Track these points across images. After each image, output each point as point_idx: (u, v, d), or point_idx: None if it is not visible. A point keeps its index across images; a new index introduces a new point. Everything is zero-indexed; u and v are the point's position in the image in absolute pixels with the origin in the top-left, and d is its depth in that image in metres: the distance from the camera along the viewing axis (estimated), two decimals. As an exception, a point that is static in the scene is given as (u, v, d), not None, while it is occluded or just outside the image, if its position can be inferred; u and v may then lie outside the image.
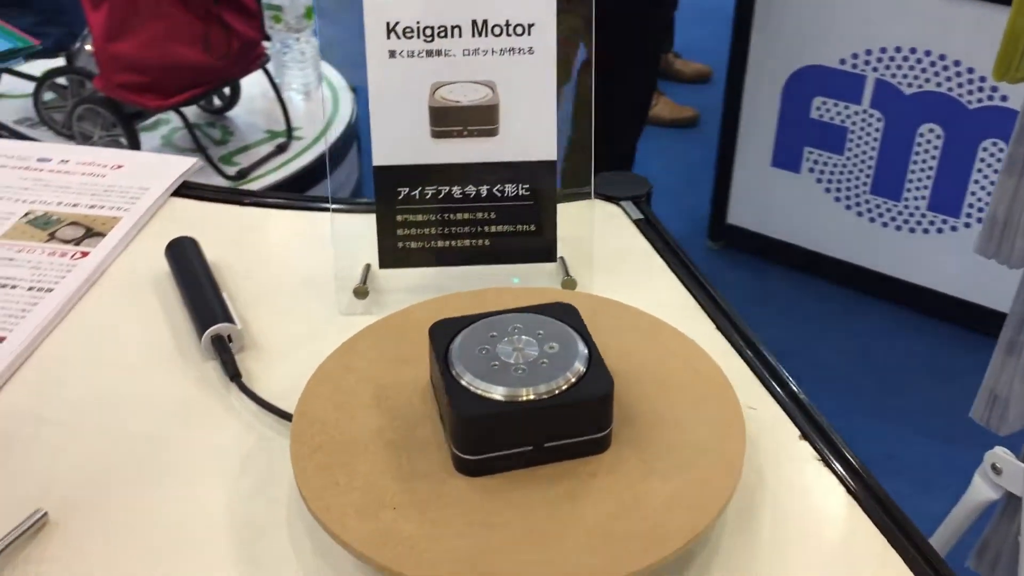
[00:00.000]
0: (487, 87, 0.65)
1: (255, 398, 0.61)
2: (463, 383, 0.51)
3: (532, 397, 0.50)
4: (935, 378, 2.06)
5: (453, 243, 0.68)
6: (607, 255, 0.74)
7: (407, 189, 0.67)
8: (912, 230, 2.17)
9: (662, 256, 0.76)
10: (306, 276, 0.73)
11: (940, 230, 2.14)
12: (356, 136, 2.29)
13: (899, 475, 1.78)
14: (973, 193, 2.08)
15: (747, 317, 0.69)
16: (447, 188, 0.67)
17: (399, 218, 0.67)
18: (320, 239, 0.77)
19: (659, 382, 0.56)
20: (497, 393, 0.50)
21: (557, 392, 0.50)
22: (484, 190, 0.67)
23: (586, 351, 0.53)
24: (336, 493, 0.50)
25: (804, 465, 0.57)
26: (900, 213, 2.17)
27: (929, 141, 2.09)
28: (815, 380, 0.60)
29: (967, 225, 2.11)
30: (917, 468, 1.82)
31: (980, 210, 2.10)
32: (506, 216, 0.68)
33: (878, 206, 2.20)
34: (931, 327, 2.19)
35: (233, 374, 0.62)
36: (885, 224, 2.21)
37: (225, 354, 0.63)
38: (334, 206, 0.73)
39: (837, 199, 2.25)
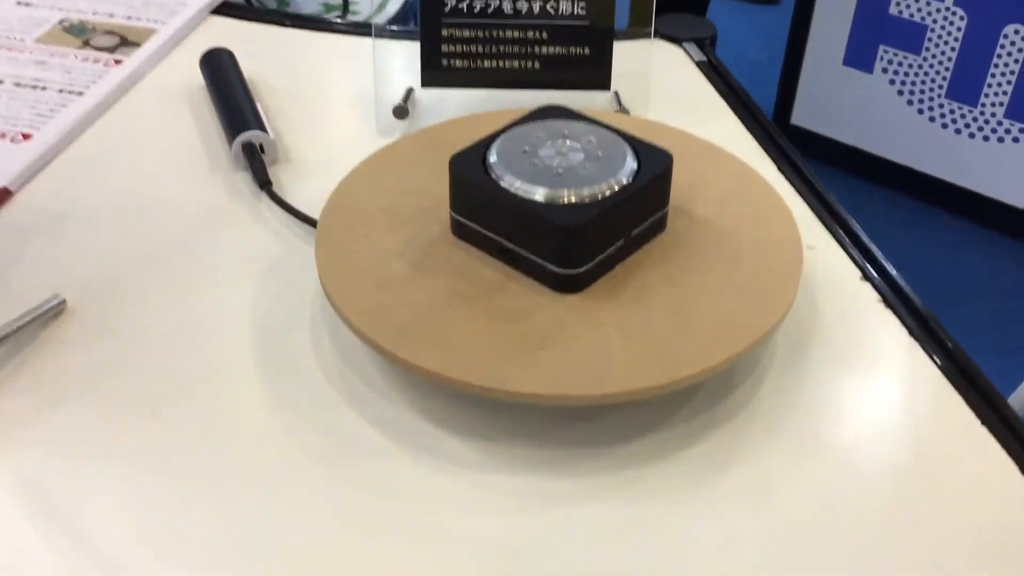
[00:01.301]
0: None
1: (284, 205, 0.58)
2: (545, 200, 0.47)
3: (616, 188, 0.48)
4: (992, 292, 1.99)
5: (501, 64, 0.64)
6: (665, 95, 0.70)
7: (454, 1, 0.62)
8: (986, 138, 2.08)
9: (724, 99, 0.71)
10: (345, 97, 0.70)
11: (1016, 139, 2.04)
12: (414, 14, 2.23)
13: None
14: (1056, 101, 1.97)
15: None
16: (497, 2, 0.62)
17: (444, 32, 0.63)
18: (362, 63, 0.74)
19: (713, 192, 0.53)
20: (586, 196, 0.47)
21: (631, 178, 0.48)
22: (537, 6, 0.62)
23: (622, 138, 0.50)
24: (477, 357, 0.45)
25: (865, 306, 0.53)
26: (975, 119, 2.07)
27: (1013, 43, 1.98)
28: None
29: (1046, 135, 2.01)
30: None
31: (1061, 119, 1.99)
32: (559, 37, 0.63)
33: (952, 111, 2.10)
34: (995, 241, 2.11)
35: (263, 181, 0.60)
36: (958, 131, 2.11)
37: (255, 161, 0.60)
38: (376, 25, 0.69)
39: (910, 102, 2.15)
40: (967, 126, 2.09)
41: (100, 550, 0.41)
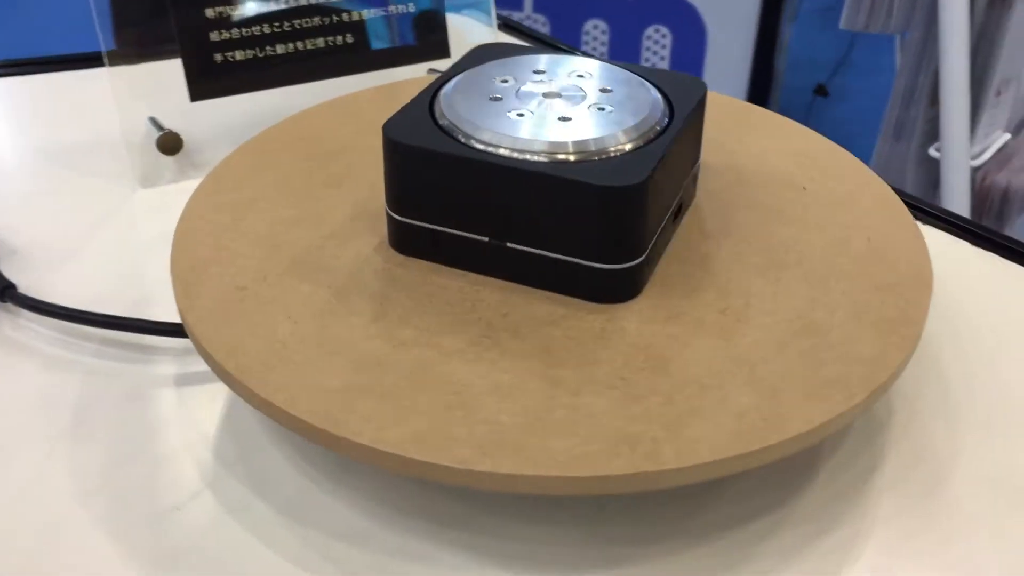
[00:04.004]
0: None
1: (58, 313, 0.35)
2: (561, 158, 0.30)
3: (657, 128, 0.31)
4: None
5: (299, 45, 0.44)
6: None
7: (216, -34, 0.42)
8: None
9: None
10: (59, 151, 0.46)
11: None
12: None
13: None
14: (645, 83, 2.08)
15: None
16: (276, -40, 0.43)
17: (210, 13, 0.42)
18: (57, 107, 0.50)
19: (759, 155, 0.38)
20: (620, 144, 0.30)
21: (666, 116, 0.32)
22: (333, -43, 0.44)
23: (623, 68, 0.34)
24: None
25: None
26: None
27: (595, 37, 2.06)
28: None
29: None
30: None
31: (655, 99, 2.11)
32: (370, -4, 0.45)
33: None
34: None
35: (2, 286, 0.35)
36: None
37: (-27, 260, 0.36)
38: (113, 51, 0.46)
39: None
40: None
41: None
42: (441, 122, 0.31)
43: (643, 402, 0.26)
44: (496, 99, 0.32)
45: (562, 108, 0.31)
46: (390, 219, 0.31)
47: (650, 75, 0.34)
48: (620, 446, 0.25)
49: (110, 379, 0.33)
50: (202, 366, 0.33)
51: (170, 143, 0.43)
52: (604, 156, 0.30)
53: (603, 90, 0.33)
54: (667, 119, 0.32)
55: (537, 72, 0.33)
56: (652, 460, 0.25)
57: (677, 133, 0.31)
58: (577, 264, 0.30)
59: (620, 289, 0.30)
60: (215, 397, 0.33)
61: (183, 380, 0.33)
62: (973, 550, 0.28)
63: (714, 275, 0.31)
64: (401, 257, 0.31)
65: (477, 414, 0.26)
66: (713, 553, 0.28)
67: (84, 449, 0.31)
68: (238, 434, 0.31)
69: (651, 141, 0.31)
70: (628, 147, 0.30)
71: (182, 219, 0.33)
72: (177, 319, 0.30)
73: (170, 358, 0.34)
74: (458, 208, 0.30)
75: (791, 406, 0.26)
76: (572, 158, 0.29)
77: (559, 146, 0.30)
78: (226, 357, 0.28)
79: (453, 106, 0.31)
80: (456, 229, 0.30)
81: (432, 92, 0.32)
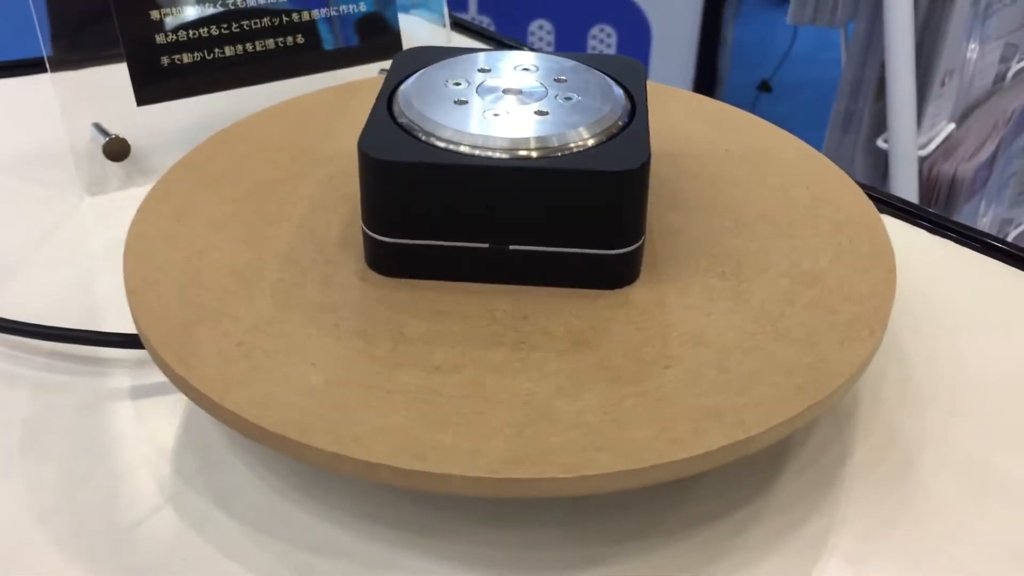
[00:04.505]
0: None
1: (13, 328, 0.33)
2: (558, 151, 0.29)
3: (625, 116, 0.31)
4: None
5: (248, 47, 0.44)
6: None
7: (159, -34, 0.41)
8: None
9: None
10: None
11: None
12: None
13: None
14: (592, 81, 2.09)
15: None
16: (221, -40, 0.42)
17: (154, 15, 0.41)
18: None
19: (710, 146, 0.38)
20: (602, 131, 0.30)
21: (629, 101, 0.32)
22: (280, -44, 0.43)
23: (562, 57, 0.34)
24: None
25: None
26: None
27: (541, 38, 2.06)
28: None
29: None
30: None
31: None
32: (318, -4, 0.45)
33: (506, 114, 2.14)
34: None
35: (-55, 300, 0.34)
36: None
37: (-86, 274, 0.35)
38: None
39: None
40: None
41: None
42: (417, 134, 0.30)
43: (701, 376, 0.27)
44: (462, 102, 0.31)
45: (532, 103, 0.31)
46: (374, 242, 0.30)
47: (588, 61, 0.34)
48: (705, 422, 0.25)
49: (62, 394, 0.32)
50: (158, 377, 0.32)
51: (117, 149, 0.42)
52: (595, 143, 0.30)
53: (558, 80, 0.32)
54: (629, 100, 0.32)
55: (482, 71, 0.33)
56: (741, 428, 0.25)
57: (645, 111, 0.31)
58: (585, 254, 0.29)
59: (626, 272, 0.30)
60: (172, 409, 0.32)
61: (138, 392, 0.32)
62: (945, 536, 0.28)
63: (696, 244, 0.32)
64: (391, 280, 0.30)
65: (560, 421, 0.25)
66: (689, 549, 0.27)
67: (39, 467, 0.29)
68: (198, 446, 0.30)
69: (627, 123, 0.31)
70: (611, 132, 0.30)
71: (130, 270, 0.30)
72: (131, 330, 0.29)
73: (124, 370, 0.33)
74: (455, 219, 0.29)
75: (830, 352, 0.27)
76: (567, 150, 0.29)
77: (550, 139, 0.29)
78: (266, 418, 0.25)
79: (423, 115, 0.30)
80: (454, 240, 0.30)
81: (386, 102, 0.31)
